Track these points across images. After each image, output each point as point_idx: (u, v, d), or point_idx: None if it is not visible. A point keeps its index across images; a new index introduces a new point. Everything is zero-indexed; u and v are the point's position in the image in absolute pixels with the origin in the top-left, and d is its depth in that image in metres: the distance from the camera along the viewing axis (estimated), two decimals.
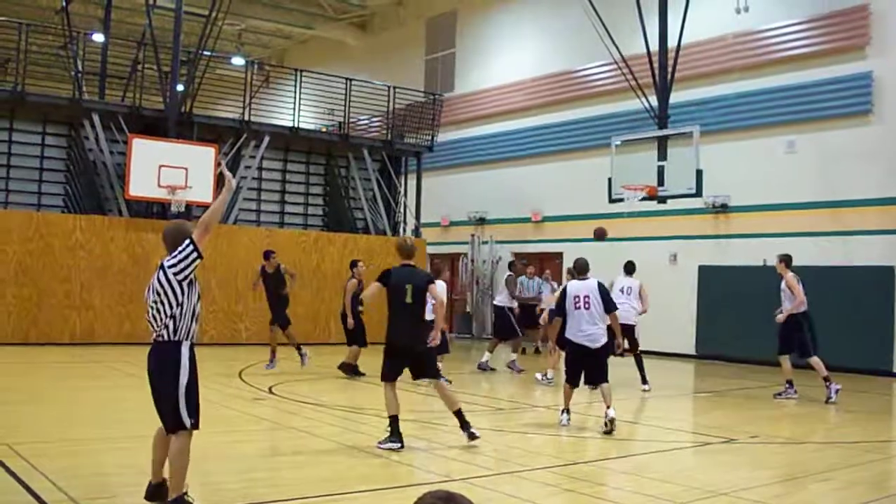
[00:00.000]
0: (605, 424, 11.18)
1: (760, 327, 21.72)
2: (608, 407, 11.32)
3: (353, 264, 18.07)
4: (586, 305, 11.87)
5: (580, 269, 12.50)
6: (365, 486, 7.89)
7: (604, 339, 11.79)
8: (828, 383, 15.32)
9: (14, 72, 23.21)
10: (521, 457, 9.52)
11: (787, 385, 15.85)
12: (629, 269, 17.62)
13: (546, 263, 27.33)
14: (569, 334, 11.96)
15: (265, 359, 18.00)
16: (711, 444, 10.87)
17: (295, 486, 7.92)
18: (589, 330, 11.75)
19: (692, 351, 23.60)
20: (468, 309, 30.51)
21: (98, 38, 28.92)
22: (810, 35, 22.31)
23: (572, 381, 11.92)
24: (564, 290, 12.44)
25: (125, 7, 33.19)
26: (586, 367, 11.77)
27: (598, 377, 11.71)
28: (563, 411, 11.96)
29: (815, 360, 15.57)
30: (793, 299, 15.82)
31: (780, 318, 16.00)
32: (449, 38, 33.58)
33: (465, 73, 32.68)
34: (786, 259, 16.18)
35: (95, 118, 22.90)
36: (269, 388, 14.55)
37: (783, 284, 16.01)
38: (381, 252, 25.92)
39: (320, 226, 27.21)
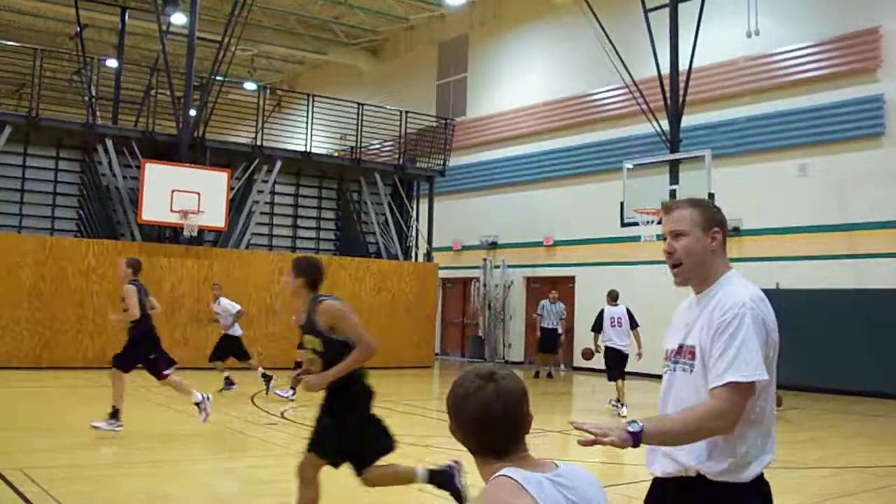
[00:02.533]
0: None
1: None
2: (623, 404, 16.45)
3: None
4: (619, 324, 16.90)
5: (614, 297, 17.30)
6: None
7: (629, 349, 16.87)
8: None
9: (28, 97, 23.35)
10: None
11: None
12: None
13: (558, 287, 27.33)
14: (608, 344, 16.91)
15: (279, 384, 17.98)
16: None
17: None
18: (621, 342, 16.81)
19: None
20: (480, 333, 30.48)
21: (112, 63, 29.13)
22: (821, 58, 22.32)
23: (613, 376, 16.78)
24: (602, 312, 17.11)
25: (139, 33, 33.42)
26: (619, 366, 16.74)
27: (622, 374, 16.78)
28: (620, 404, 16.47)
29: None
30: None
31: None
32: (461, 63, 33.68)
33: (476, 98, 32.76)
34: None
35: (109, 143, 23.01)
36: (282, 413, 14.55)
37: None
38: (393, 275, 25.96)
39: (332, 250, 27.25)
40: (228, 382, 17.62)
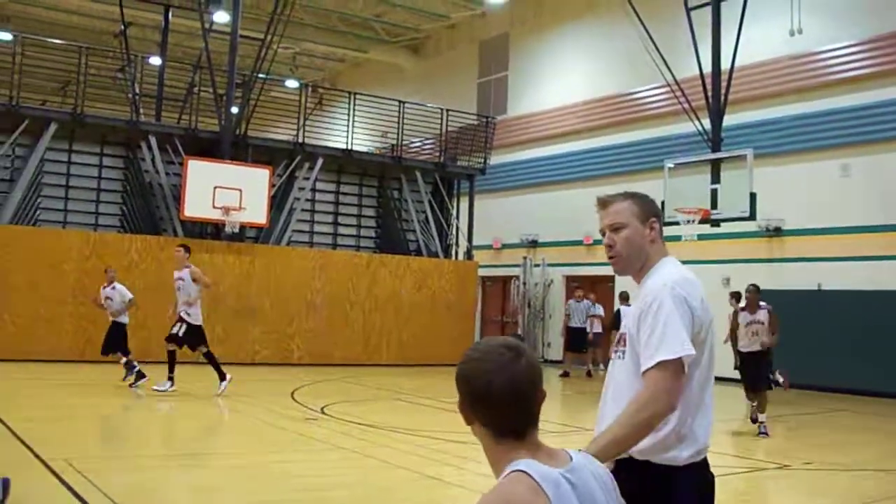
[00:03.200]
0: None
1: (815, 353, 21.52)
2: None
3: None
4: None
5: (625, 298, 18.18)
6: None
7: None
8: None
9: (73, 94, 23.58)
10: None
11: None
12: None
13: (597, 287, 27.26)
14: None
15: (319, 379, 18.05)
16: (766, 471, 10.79)
17: None
18: None
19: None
20: (519, 331, 30.46)
21: (155, 61, 29.34)
22: (865, 56, 22.13)
23: None
24: (618, 312, 16.70)
25: (182, 31, 33.67)
26: None
27: None
28: None
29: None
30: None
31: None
32: (501, 61, 33.67)
33: (517, 96, 32.74)
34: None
35: (152, 140, 23.19)
36: (322, 409, 14.62)
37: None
38: (433, 273, 26.00)
39: (373, 248, 27.32)
40: (129, 367, 16.77)
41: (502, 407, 2.39)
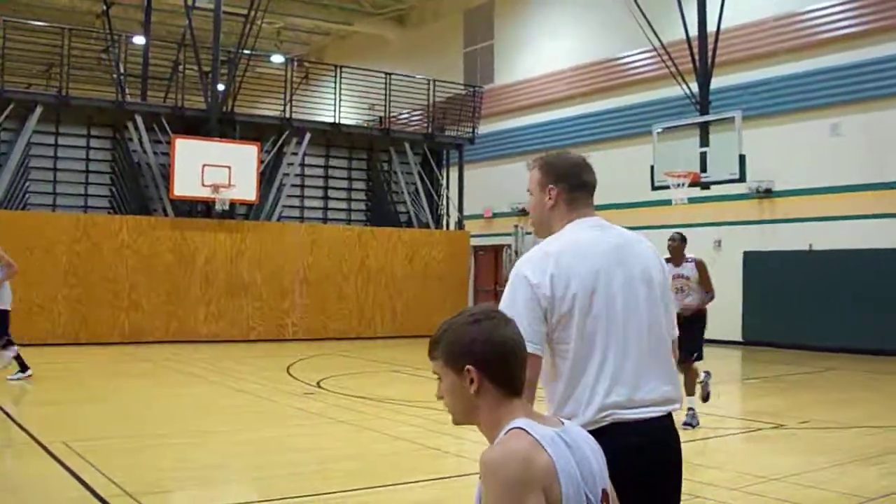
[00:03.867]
0: None
1: (807, 312, 21.61)
2: None
3: None
4: None
5: None
6: (414, 477, 7.96)
7: None
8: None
9: (58, 76, 23.47)
10: None
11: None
12: None
13: None
14: None
15: (313, 354, 18.05)
16: (762, 430, 10.84)
17: (345, 478, 7.98)
18: None
19: (738, 337, 23.44)
20: None
21: (139, 40, 29.19)
22: (853, 14, 22.08)
23: None
24: None
25: (165, 9, 33.46)
26: None
27: None
28: None
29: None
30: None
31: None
32: (487, 30, 33.55)
33: (504, 65, 32.65)
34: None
35: (139, 120, 23.10)
36: (318, 383, 14.65)
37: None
38: (425, 244, 26.01)
39: (364, 220, 27.30)
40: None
41: (510, 364, 2.53)
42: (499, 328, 2.55)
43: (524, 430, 2.43)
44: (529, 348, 2.82)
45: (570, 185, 3.66)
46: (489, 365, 2.51)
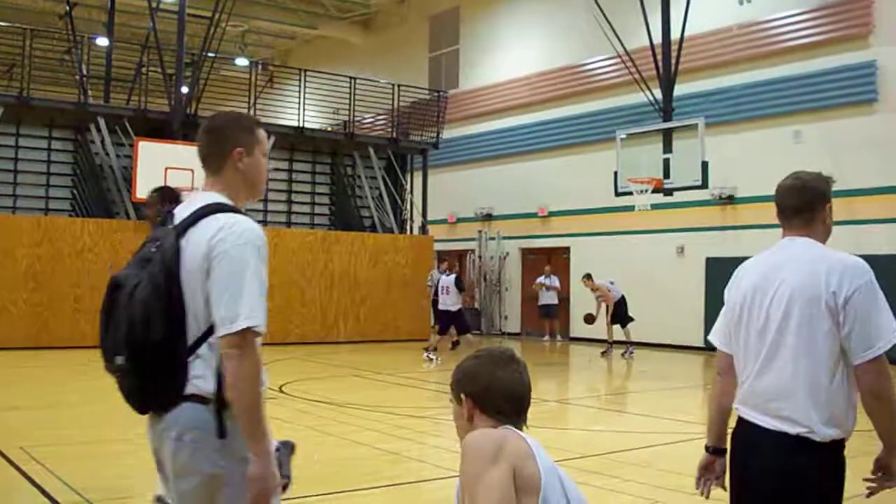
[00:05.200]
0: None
1: None
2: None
3: None
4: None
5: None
6: (376, 483, 7.93)
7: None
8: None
9: (19, 77, 23.25)
10: None
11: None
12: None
13: (553, 258, 27.40)
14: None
15: (276, 358, 17.95)
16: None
17: (307, 483, 7.94)
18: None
19: (700, 343, 23.54)
20: (476, 305, 30.52)
21: (102, 41, 28.98)
22: (814, 24, 22.29)
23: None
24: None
25: (128, 11, 33.22)
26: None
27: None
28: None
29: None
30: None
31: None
32: (452, 35, 33.58)
33: (469, 70, 32.68)
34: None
35: (101, 122, 22.94)
36: (280, 388, 14.59)
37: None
38: (389, 249, 25.96)
39: (327, 225, 27.23)
40: None
41: (501, 398, 2.91)
42: (497, 368, 2.94)
43: (510, 428, 2.83)
44: None
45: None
46: (479, 397, 2.90)
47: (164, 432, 3.16)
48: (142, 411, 3.26)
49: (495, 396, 2.89)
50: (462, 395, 2.92)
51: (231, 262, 3.14)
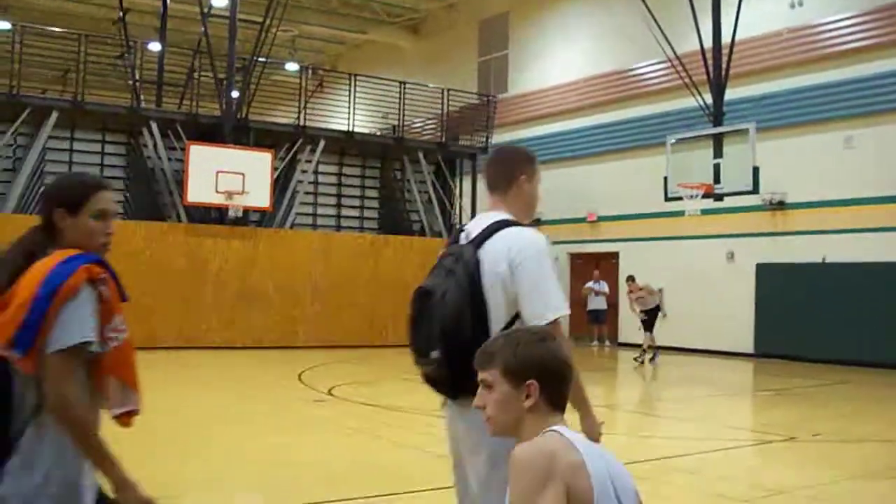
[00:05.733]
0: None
1: (820, 325, 21.54)
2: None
3: None
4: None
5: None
6: (425, 486, 7.94)
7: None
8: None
9: (73, 82, 23.55)
10: None
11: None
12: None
13: (602, 263, 27.31)
14: None
15: (325, 361, 18.04)
16: (773, 443, 10.80)
17: (354, 485, 7.98)
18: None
19: (750, 349, 23.38)
20: None
21: (154, 46, 29.29)
22: (866, 28, 22.04)
23: None
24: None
25: (180, 16, 33.56)
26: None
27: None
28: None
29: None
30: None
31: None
32: (502, 40, 33.55)
33: (518, 75, 32.64)
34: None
35: (154, 126, 23.18)
36: (329, 391, 14.66)
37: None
38: (436, 254, 25.86)
39: (376, 229, 27.32)
40: None
41: (565, 383, 2.76)
42: (560, 349, 2.78)
43: (558, 432, 2.61)
44: None
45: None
46: (549, 382, 2.70)
47: (462, 414, 3.71)
48: (453, 397, 3.80)
49: (561, 385, 2.74)
50: (530, 381, 2.66)
51: (531, 267, 3.71)
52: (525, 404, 2.66)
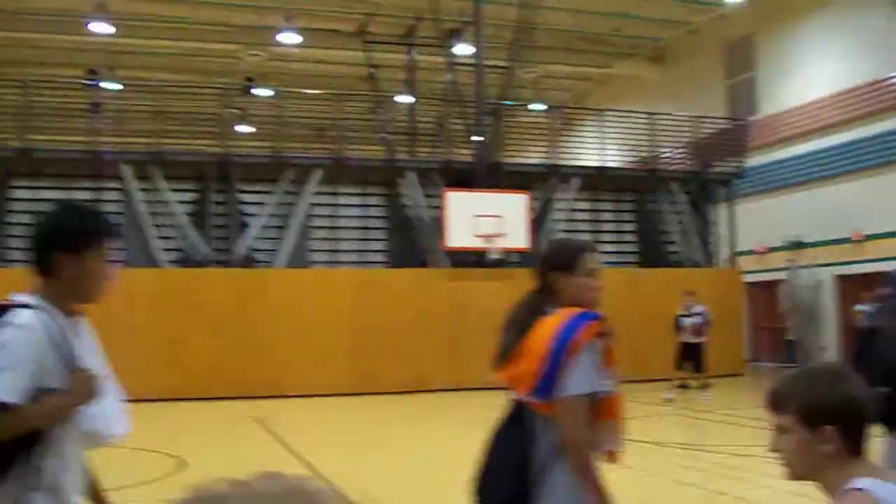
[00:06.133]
0: None
1: None
2: None
3: None
4: None
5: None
6: None
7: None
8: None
9: (332, 139, 24.59)
10: None
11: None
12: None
13: (872, 283, 26.18)
14: None
15: None
16: None
17: None
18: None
19: None
20: (791, 337, 29.48)
21: (404, 99, 30.23)
22: None
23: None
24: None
25: (425, 67, 34.53)
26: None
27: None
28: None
29: None
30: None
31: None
32: (747, 62, 32.85)
33: (768, 95, 31.85)
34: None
35: (411, 176, 23.89)
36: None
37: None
38: (697, 284, 25.52)
39: (635, 262, 27.13)
40: None
41: (865, 424, 2.52)
42: (858, 389, 2.53)
43: (864, 490, 2.36)
44: None
45: None
46: (848, 426, 2.48)
47: None
48: (893, 426, 4.01)
49: (861, 427, 2.49)
50: (827, 427, 2.45)
51: None
52: (823, 450, 2.46)
